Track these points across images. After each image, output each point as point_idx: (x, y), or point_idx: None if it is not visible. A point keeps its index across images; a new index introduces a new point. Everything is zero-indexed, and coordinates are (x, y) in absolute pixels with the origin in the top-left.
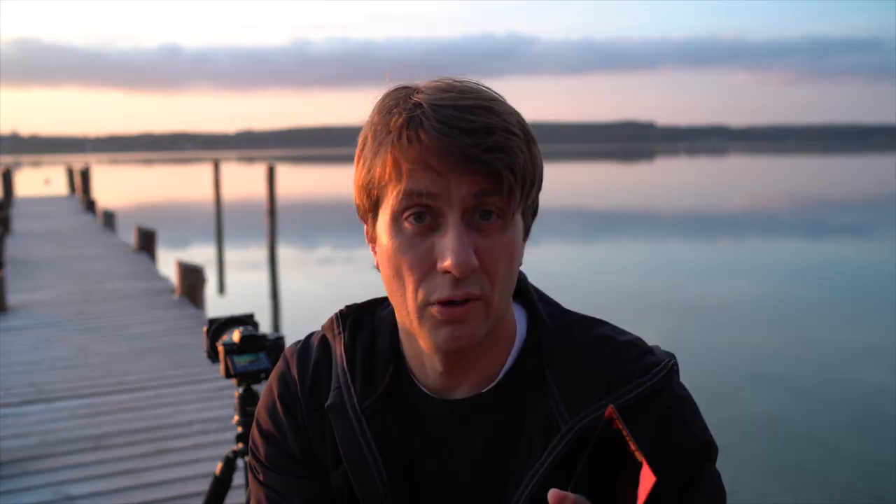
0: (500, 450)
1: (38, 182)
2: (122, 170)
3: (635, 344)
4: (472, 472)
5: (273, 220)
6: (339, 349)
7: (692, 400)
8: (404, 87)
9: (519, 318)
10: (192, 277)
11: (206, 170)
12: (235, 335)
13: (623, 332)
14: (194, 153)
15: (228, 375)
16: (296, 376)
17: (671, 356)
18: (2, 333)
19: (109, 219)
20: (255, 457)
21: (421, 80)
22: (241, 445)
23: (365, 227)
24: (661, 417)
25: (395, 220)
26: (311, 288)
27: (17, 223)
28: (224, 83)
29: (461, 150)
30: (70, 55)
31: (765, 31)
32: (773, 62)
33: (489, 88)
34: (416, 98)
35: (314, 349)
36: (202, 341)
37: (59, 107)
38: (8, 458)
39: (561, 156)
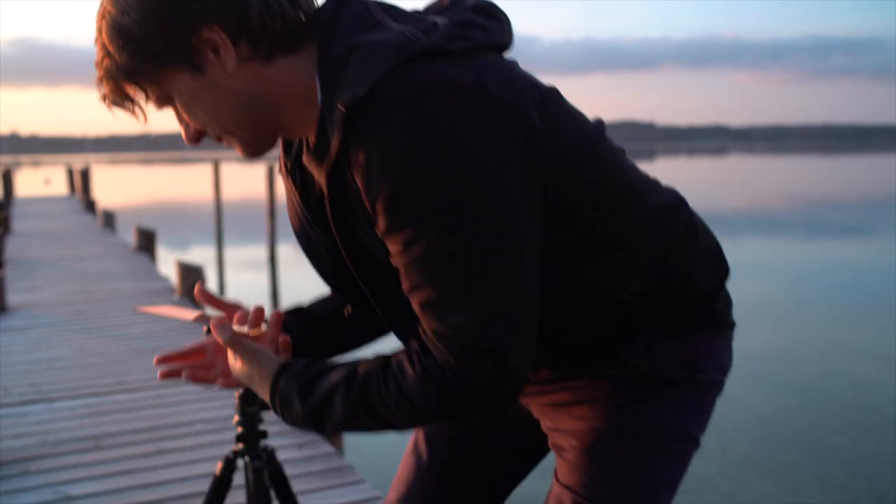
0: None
1: (38, 182)
2: (122, 170)
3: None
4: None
5: (273, 220)
6: None
7: None
8: None
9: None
10: (192, 277)
11: (205, 170)
12: None
13: None
14: (194, 153)
15: None
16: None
17: None
18: (1, 333)
19: (109, 219)
20: None
21: None
22: (241, 445)
23: None
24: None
25: None
26: (311, 288)
27: (17, 223)
28: None
29: None
30: (69, 55)
31: (765, 31)
32: (773, 62)
33: None
34: None
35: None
36: None
37: (59, 106)
38: (8, 458)
39: None
